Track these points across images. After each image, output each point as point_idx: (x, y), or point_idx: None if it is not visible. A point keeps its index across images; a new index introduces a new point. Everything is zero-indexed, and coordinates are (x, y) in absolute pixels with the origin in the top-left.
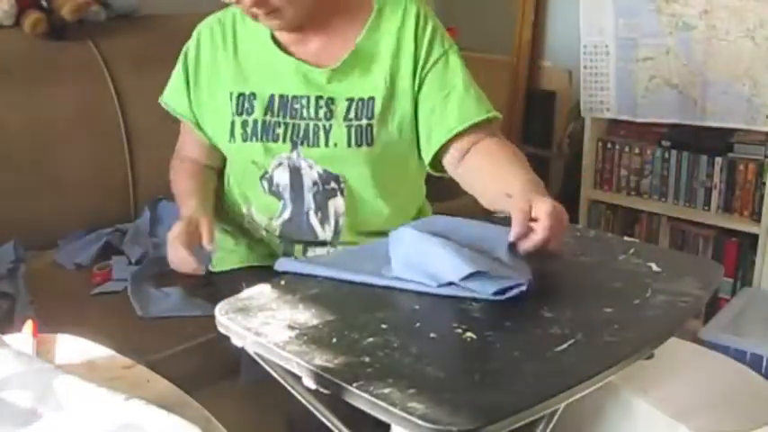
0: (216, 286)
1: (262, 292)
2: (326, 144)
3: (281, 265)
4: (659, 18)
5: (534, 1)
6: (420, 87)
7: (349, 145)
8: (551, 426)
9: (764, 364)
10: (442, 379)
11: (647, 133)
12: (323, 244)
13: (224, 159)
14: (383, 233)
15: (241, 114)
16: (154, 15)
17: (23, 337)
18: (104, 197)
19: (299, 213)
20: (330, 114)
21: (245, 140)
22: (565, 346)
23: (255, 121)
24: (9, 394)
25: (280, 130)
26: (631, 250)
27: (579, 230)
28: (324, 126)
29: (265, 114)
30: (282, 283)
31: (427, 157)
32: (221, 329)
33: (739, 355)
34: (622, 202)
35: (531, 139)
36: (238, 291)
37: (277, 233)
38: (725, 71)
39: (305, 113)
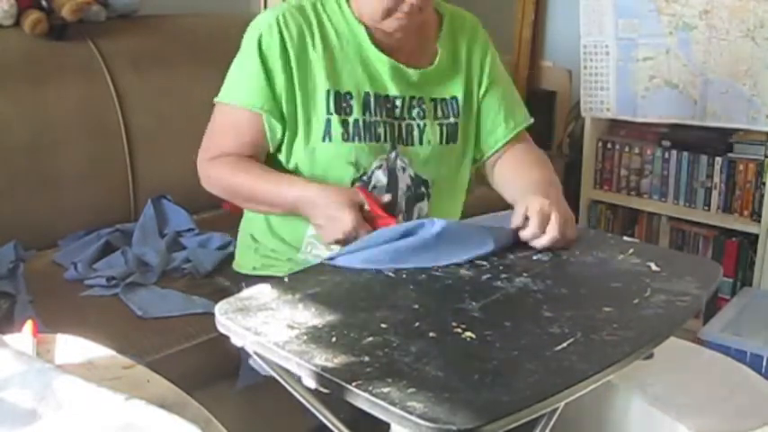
0: (215, 286)
1: (261, 291)
2: (421, 142)
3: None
4: (659, 18)
5: (534, 1)
6: (485, 92)
7: (441, 142)
8: (551, 425)
9: (764, 364)
10: (442, 378)
11: (647, 133)
12: None
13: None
14: None
15: (339, 113)
16: (154, 15)
17: (23, 337)
18: (104, 197)
19: None
20: (423, 114)
21: (345, 140)
22: (564, 345)
23: (356, 121)
24: (9, 394)
25: (381, 130)
26: (631, 250)
27: (579, 230)
28: (419, 125)
29: (364, 114)
30: (284, 281)
31: (488, 152)
32: (221, 329)
33: (739, 355)
34: (622, 202)
35: (532, 139)
36: (238, 290)
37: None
38: (725, 71)
39: (399, 113)
